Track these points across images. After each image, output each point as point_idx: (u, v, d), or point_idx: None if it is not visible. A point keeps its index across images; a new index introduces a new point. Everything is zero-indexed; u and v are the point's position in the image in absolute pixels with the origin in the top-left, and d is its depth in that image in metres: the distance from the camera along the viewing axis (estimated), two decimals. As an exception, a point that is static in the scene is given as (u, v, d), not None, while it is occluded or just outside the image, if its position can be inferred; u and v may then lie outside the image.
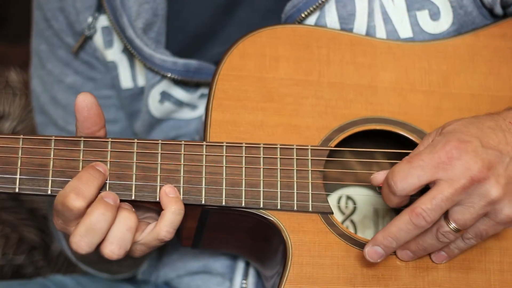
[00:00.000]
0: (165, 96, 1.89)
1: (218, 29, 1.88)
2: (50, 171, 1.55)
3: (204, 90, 1.90)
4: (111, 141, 1.58)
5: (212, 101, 1.65)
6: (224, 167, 1.60)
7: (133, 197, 1.57)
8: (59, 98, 1.99)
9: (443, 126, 1.56)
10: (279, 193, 1.60)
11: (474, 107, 1.69)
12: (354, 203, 1.82)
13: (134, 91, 1.93)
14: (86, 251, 1.51)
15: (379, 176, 1.56)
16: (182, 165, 1.59)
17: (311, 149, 1.63)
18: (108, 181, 1.56)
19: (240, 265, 1.88)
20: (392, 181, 1.50)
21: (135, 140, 1.59)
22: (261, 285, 1.85)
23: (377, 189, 1.57)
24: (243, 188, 1.60)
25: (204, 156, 1.60)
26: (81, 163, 1.56)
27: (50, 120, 2.01)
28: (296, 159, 1.62)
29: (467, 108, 1.69)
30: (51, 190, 1.55)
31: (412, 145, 1.66)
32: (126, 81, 1.93)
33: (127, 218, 1.52)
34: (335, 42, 1.71)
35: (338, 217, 1.82)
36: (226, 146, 1.61)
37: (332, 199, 1.81)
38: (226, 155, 1.61)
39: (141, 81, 1.92)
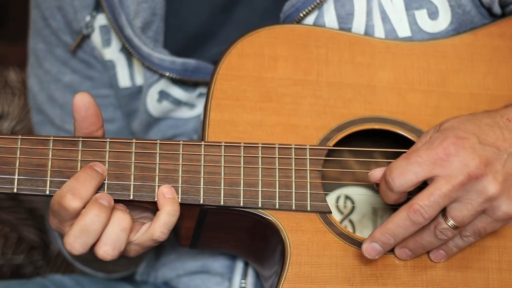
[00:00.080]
0: (163, 95, 1.89)
1: (217, 28, 1.88)
2: (48, 171, 1.55)
3: (203, 90, 1.90)
4: (110, 141, 1.58)
5: (211, 100, 1.65)
6: (223, 167, 1.60)
7: (131, 197, 1.57)
8: (56, 97, 1.99)
9: (441, 123, 1.56)
10: (277, 192, 1.60)
11: (473, 106, 1.69)
12: (353, 202, 1.82)
13: (132, 90, 1.93)
14: (80, 252, 1.51)
15: (376, 173, 1.56)
16: (180, 165, 1.59)
17: (310, 148, 1.63)
18: (106, 181, 1.56)
19: (239, 265, 1.88)
20: (390, 177, 1.50)
21: (134, 140, 1.59)
22: (260, 285, 1.85)
23: (375, 186, 1.57)
24: (242, 188, 1.60)
25: (203, 156, 1.60)
26: (79, 163, 1.56)
27: (47, 119, 2.01)
28: (295, 158, 1.62)
29: (466, 107, 1.69)
30: (49, 190, 1.55)
31: (410, 144, 1.65)
32: (124, 80, 1.93)
33: (121, 219, 1.53)
34: (333, 41, 1.71)
35: (336, 216, 1.82)
36: (225, 145, 1.61)
37: (331, 199, 1.81)
38: (224, 155, 1.61)
39: (139, 80, 1.92)
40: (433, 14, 1.75)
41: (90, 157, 1.57)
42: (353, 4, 1.74)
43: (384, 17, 1.75)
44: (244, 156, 1.61)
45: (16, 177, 1.54)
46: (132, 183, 1.57)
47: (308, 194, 1.61)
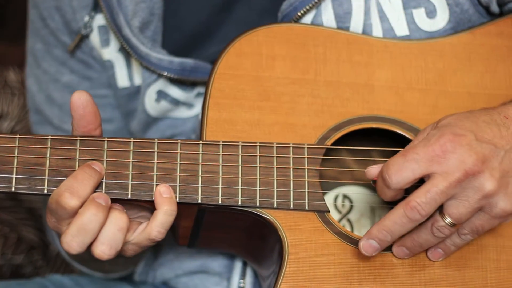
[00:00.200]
0: (161, 95, 1.89)
1: (215, 28, 1.88)
2: (46, 171, 1.55)
3: (201, 89, 1.90)
4: (108, 140, 1.58)
5: (209, 100, 1.65)
6: (221, 166, 1.60)
7: (129, 196, 1.57)
8: (54, 97, 1.99)
9: (438, 121, 1.57)
10: (275, 191, 1.60)
11: (471, 105, 1.69)
12: (351, 201, 1.82)
13: (130, 90, 1.93)
14: (77, 251, 1.51)
15: (373, 170, 1.56)
16: (178, 164, 1.59)
17: (308, 147, 1.63)
18: (104, 180, 1.56)
19: (238, 265, 1.88)
20: (387, 174, 1.50)
21: (132, 139, 1.59)
22: (259, 284, 1.85)
23: (372, 183, 1.57)
24: (239, 187, 1.60)
25: (201, 155, 1.60)
26: (77, 162, 1.56)
27: (45, 119, 2.01)
28: (293, 157, 1.62)
29: (464, 106, 1.69)
30: (47, 189, 1.55)
31: (408, 143, 1.65)
32: (122, 80, 1.94)
33: (118, 218, 1.53)
34: (331, 40, 1.71)
35: (334, 215, 1.82)
36: (223, 144, 1.61)
37: (329, 198, 1.81)
38: (222, 154, 1.61)
39: (137, 80, 1.92)
40: (431, 13, 1.75)
41: (88, 156, 1.57)
42: (351, 3, 1.74)
43: (382, 16, 1.75)
44: (242, 155, 1.61)
45: (14, 176, 1.54)
46: (130, 182, 1.57)
47: (306, 193, 1.61)
